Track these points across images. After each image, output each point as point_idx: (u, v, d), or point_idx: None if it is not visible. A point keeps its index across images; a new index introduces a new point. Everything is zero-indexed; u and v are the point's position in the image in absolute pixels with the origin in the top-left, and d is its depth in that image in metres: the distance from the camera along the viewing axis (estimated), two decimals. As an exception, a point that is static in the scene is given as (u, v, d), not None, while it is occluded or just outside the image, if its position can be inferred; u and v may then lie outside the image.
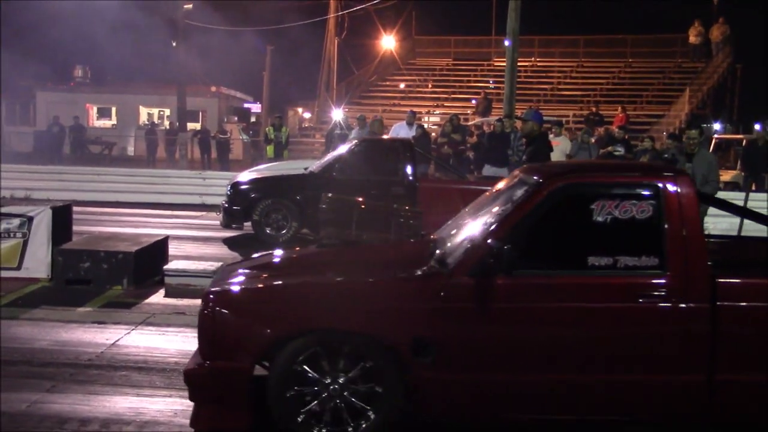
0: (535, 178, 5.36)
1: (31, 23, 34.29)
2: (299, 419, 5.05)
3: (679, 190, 5.05)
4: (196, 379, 5.12)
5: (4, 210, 9.86)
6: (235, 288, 5.38)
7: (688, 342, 4.90)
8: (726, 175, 23.30)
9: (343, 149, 13.51)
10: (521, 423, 5.24)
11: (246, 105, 45.21)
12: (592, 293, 4.98)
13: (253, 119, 42.14)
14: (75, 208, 10.93)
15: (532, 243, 5.05)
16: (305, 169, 13.46)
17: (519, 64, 37.40)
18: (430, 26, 42.10)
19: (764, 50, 36.00)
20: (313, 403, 5.05)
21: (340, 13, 37.67)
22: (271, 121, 25.46)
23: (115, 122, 40.60)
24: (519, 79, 36.18)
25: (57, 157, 28.78)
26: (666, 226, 4.97)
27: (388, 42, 40.45)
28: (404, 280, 5.17)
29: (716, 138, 27.07)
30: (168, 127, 34.13)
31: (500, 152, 17.04)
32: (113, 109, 41.27)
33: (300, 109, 45.13)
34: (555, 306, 4.99)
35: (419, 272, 5.16)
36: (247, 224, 13.28)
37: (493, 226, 5.14)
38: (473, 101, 34.18)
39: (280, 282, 5.49)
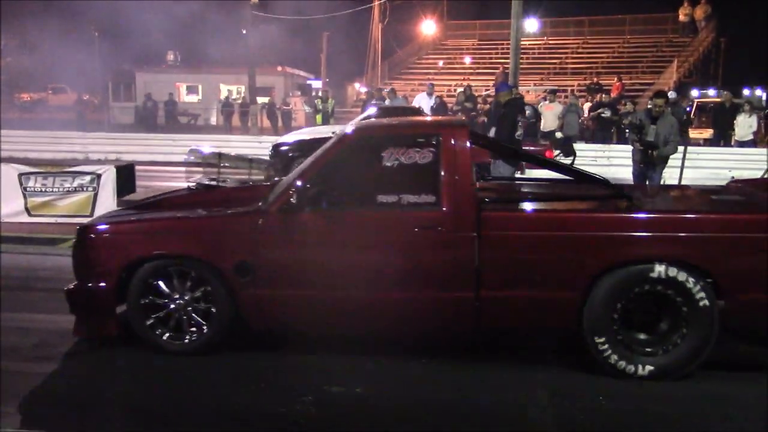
0: (344, 130, 5.50)
1: (131, 13, 34.68)
2: (148, 323, 5.29)
3: (454, 141, 5.07)
4: (72, 296, 5.38)
5: (78, 169, 10.21)
6: (101, 222, 5.60)
7: (458, 264, 4.95)
8: (705, 133, 22.86)
9: (364, 115, 13.61)
10: (331, 335, 5.44)
11: (308, 81, 45.17)
12: (378, 225, 5.06)
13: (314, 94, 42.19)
14: (150, 167, 11.21)
15: (333, 184, 5.13)
16: (333, 132, 13.53)
17: (532, 42, 37.20)
18: (459, 12, 41.49)
19: (747, 26, 34.96)
20: (161, 312, 5.29)
21: (382, 1, 37.26)
22: (319, 94, 25.52)
23: (200, 97, 40.96)
24: (533, 55, 35.94)
25: (152, 127, 29.24)
26: (442, 170, 5.01)
27: (424, 26, 40.08)
28: (232, 215, 5.35)
29: (697, 101, 26.38)
30: (241, 100, 34.31)
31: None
32: (199, 87, 41.63)
33: (357, 85, 45.02)
34: (347, 235, 5.08)
35: (246, 209, 5.33)
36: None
37: (302, 170, 5.34)
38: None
39: (138, 217, 5.70)
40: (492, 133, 17.49)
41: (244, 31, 32.86)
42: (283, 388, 4.83)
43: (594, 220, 5.02)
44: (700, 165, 14.75)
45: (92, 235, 5.38)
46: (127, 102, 39.21)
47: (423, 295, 5.04)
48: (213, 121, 38.11)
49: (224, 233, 5.22)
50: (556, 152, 13.04)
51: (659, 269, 4.81)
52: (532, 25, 37.74)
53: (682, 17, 34.82)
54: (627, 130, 10.98)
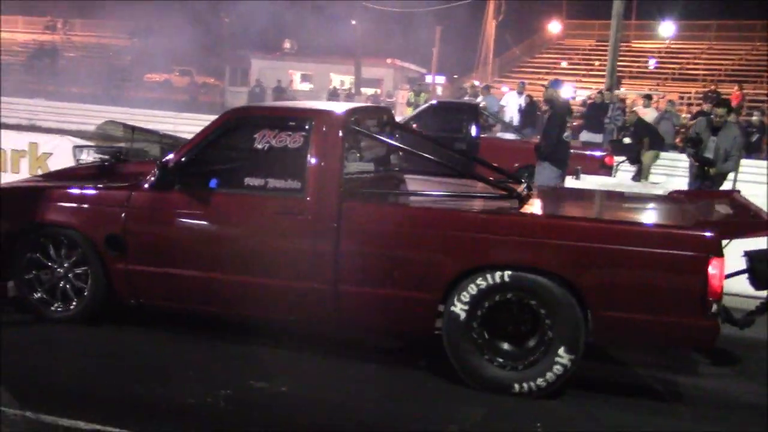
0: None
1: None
2: (36, 296, 5.38)
3: (325, 128, 4.88)
4: None
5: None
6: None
7: (317, 255, 4.76)
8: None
9: (418, 111, 13.36)
10: (199, 312, 5.32)
11: (425, 76, 45.06)
12: (242, 208, 4.96)
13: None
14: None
15: (205, 164, 5.06)
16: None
17: (652, 45, 35.52)
18: (580, 10, 40.10)
19: None
20: (46, 284, 5.36)
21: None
22: (412, 88, 25.43)
23: (312, 86, 41.71)
24: (652, 58, 34.31)
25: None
26: (309, 157, 4.84)
27: (540, 24, 39.14)
28: (108, 188, 5.34)
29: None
30: (347, 90, 34.75)
31: (597, 120, 16.60)
32: (312, 76, 42.41)
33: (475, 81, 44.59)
34: (211, 216, 5.00)
35: (122, 184, 5.33)
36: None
37: (178, 148, 5.25)
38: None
39: (21, 186, 5.77)
40: (581, 135, 17.09)
41: (353, 22, 33.12)
42: (201, 380, 4.69)
43: (453, 219, 4.70)
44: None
45: None
46: (242, 87, 40.46)
47: (284, 282, 4.88)
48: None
49: (99, 206, 5.25)
50: (621, 159, 12.31)
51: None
52: (668, 28, 36.08)
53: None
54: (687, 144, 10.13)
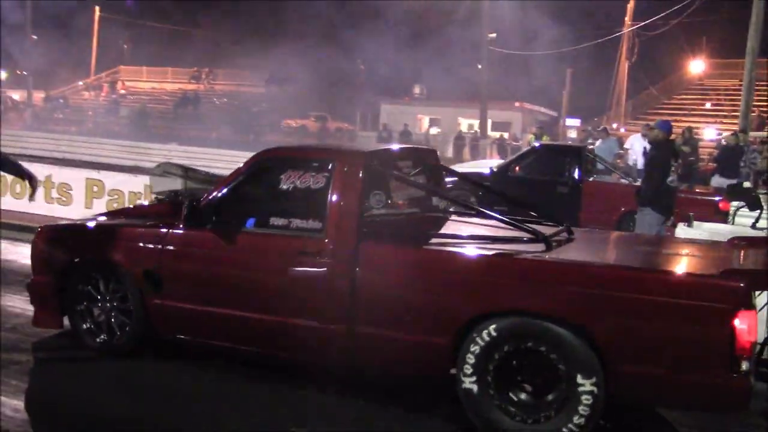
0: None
1: (384, 47, 36.64)
2: (84, 327, 5.58)
3: (346, 169, 4.88)
4: (30, 288, 5.82)
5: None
6: (55, 226, 6.03)
7: (335, 296, 4.73)
8: None
9: (521, 153, 13.04)
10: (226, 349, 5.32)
11: (566, 120, 44.26)
12: (266, 247, 5.01)
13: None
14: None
15: (235, 203, 5.18)
16: (490, 168, 13.13)
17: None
18: (719, 48, 38.23)
19: None
20: (96, 315, 5.56)
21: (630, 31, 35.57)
22: (533, 131, 24.97)
23: (440, 130, 41.90)
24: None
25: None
26: (329, 197, 4.85)
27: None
28: (150, 226, 5.50)
29: None
30: (473, 134, 34.69)
31: (732, 163, 15.70)
32: (440, 120, 42.64)
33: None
34: (238, 254, 5.09)
35: (161, 221, 5.51)
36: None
37: (211, 189, 5.38)
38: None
39: (79, 223, 6.00)
40: (713, 180, 16.09)
41: (480, 66, 33.11)
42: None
43: (465, 263, 4.54)
44: None
45: (41, 235, 5.85)
46: (373, 131, 41.27)
47: (303, 322, 4.85)
48: (449, 153, 38.87)
49: (139, 242, 5.41)
50: (737, 203, 11.33)
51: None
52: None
53: None
54: None
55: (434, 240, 5.13)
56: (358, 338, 4.71)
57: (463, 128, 41.02)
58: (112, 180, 11.12)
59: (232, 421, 4.58)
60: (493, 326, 4.28)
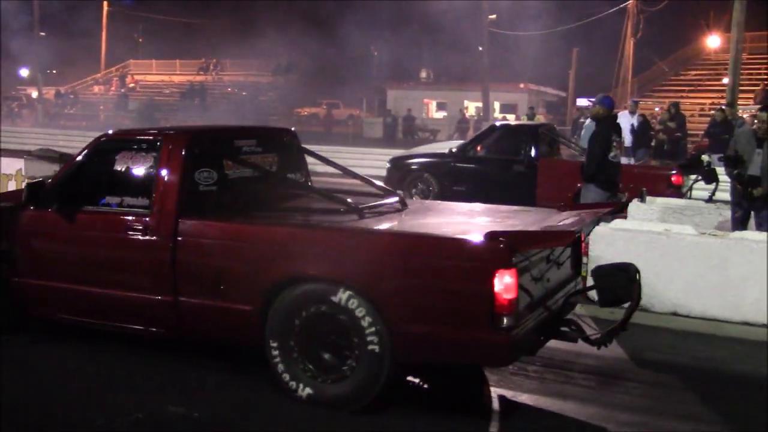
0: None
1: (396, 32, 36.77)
2: None
3: (170, 148, 5.20)
4: None
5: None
6: None
7: (159, 269, 5.06)
8: None
9: (479, 133, 13.28)
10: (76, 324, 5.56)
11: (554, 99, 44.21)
12: (101, 225, 5.34)
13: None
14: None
15: (76, 184, 5.47)
16: (449, 149, 13.37)
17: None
18: (727, 22, 37.70)
19: None
20: None
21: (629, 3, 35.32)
22: (526, 113, 25.08)
23: (446, 114, 41.96)
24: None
25: (391, 141, 30.63)
26: (155, 176, 5.18)
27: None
28: (2, 207, 5.71)
29: None
30: (476, 117, 34.73)
31: (720, 139, 15.66)
32: (446, 103, 42.67)
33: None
34: (77, 234, 5.40)
35: (17, 203, 5.66)
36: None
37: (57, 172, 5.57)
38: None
39: None
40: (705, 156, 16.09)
41: (480, 48, 33.15)
42: (114, 403, 4.81)
43: (265, 233, 4.92)
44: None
45: None
46: (379, 117, 41.37)
47: (134, 294, 5.19)
48: (456, 136, 38.86)
49: None
50: (693, 177, 11.40)
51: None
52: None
53: None
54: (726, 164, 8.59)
55: (257, 213, 5.43)
56: (181, 308, 5.04)
57: (471, 111, 41.05)
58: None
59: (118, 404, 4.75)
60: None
